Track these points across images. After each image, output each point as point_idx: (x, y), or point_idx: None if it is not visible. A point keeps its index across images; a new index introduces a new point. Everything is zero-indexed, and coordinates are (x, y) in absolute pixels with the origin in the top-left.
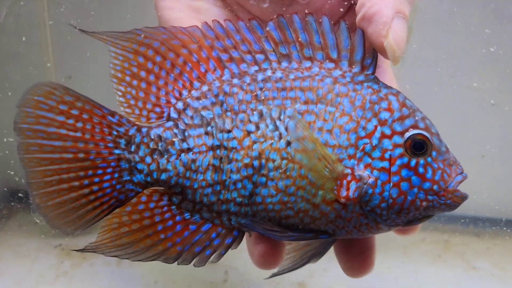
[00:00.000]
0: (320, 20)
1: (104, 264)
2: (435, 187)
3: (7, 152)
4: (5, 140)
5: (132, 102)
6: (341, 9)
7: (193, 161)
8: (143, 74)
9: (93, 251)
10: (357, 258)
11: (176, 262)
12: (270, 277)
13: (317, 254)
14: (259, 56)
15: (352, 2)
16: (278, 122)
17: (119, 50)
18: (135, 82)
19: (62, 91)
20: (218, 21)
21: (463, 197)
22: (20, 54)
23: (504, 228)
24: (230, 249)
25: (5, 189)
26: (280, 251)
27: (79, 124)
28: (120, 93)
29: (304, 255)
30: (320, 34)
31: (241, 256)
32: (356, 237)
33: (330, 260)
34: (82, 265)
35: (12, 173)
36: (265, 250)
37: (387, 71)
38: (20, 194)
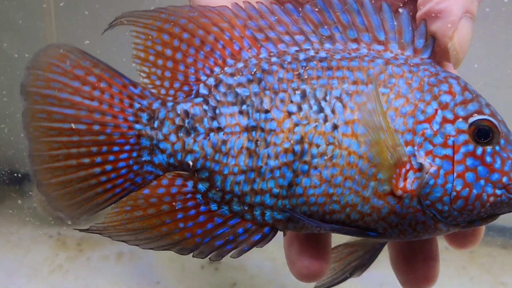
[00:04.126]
0: (361, 1)
1: (102, 258)
2: (504, 179)
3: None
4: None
5: (158, 82)
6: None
7: (224, 142)
8: (168, 52)
9: (99, 233)
10: (420, 270)
11: (191, 254)
12: None
13: (361, 266)
14: (299, 37)
15: None
16: (323, 103)
17: (141, 29)
18: (160, 62)
19: (79, 55)
20: (250, 2)
21: None
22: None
23: None
24: (255, 247)
25: None
26: (326, 260)
27: (96, 93)
28: (144, 74)
29: (347, 266)
30: (363, 15)
31: (252, 256)
32: (409, 239)
33: None
34: (78, 259)
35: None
36: (310, 261)
37: (445, 64)
38: (15, 175)
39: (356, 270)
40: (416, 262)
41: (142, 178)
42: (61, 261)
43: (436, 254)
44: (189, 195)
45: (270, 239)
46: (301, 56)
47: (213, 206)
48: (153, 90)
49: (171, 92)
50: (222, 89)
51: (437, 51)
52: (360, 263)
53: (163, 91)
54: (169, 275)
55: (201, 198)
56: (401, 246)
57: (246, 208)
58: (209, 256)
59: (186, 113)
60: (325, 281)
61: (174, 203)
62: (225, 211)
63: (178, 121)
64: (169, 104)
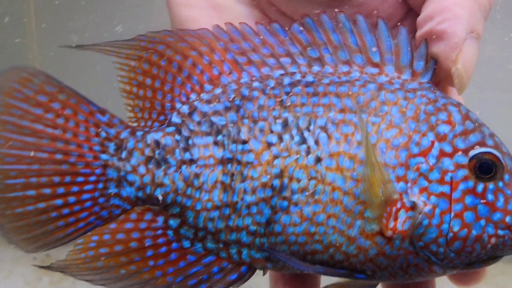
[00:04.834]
0: (354, 19)
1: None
2: (507, 218)
3: None
4: None
5: (140, 114)
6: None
7: (197, 175)
8: (148, 81)
9: (61, 271)
10: None
11: None
12: None
13: None
14: (285, 60)
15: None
16: (306, 134)
17: (124, 60)
18: (141, 92)
19: (43, 79)
20: (232, 24)
21: None
22: None
23: None
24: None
25: None
26: None
27: (60, 120)
28: (129, 108)
29: None
30: (357, 34)
31: None
32: (401, 281)
33: None
34: (63, 284)
35: None
36: None
37: (448, 89)
38: None
39: None
40: None
41: (108, 211)
42: (45, 285)
43: None
44: (159, 231)
45: (247, 279)
46: (286, 80)
47: (186, 243)
48: (134, 124)
49: (149, 123)
50: (196, 117)
51: (440, 75)
52: None
53: (142, 123)
54: None
55: (172, 235)
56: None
57: (221, 245)
58: None
59: (157, 143)
60: None
61: (143, 240)
62: (199, 248)
63: (147, 151)
64: (139, 133)
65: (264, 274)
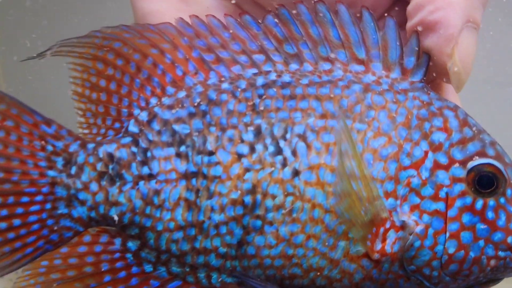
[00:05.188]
0: (335, 9)
1: None
2: (509, 239)
3: None
4: None
5: (92, 120)
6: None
7: (157, 192)
8: (102, 83)
9: None
10: None
11: None
12: None
13: None
14: (258, 57)
15: None
16: (282, 143)
17: (77, 60)
18: (94, 95)
19: None
20: (197, 16)
21: None
22: None
23: None
24: None
25: None
26: None
27: (0, 134)
28: (80, 112)
29: None
30: (339, 27)
31: None
32: None
33: None
34: None
35: None
36: None
37: (443, 85)
38: None
39: None
40: None
41: (58, 234)
42: None
43: None
44: (117, 255)
45: None
46: (259, 81)
47: (148, 268)
48: (85, 131)
49: (102, 131)
50: (156, 126)
51: (434, 72)
52: None
53: (94, 130)
54: None
55: (132, 258)
56: None
57: (188, 269)
58: None
59: (110, 156)
60: None
61: (99, 264)
62: (163, 272)
63: (100, 166)
64: (90, 146)
65: None
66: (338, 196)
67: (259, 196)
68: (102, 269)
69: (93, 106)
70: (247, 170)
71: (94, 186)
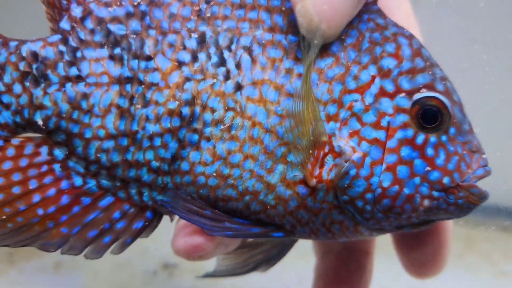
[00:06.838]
0: None
1: (38, 269)
2: (445, 179)
3: None
4: None
5: (52, 12)
6: None
7: (85, 96)
8: None
9: None
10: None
11: (60, 251)
12: (204, 276)
13: (267, 260)
14: None
15: None
16: (226, 54)
17: None
18: None
19: None
20: None
21: (482, 197)
22: None
23: None
24: (139, 238)
25: None
26: (209, 237)
27: None
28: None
29: (249, 259)
30: None
31: None
32: (323, 240)
33: None
34: (9, 272)
35: None
36: (191, 237)
37: (401, 4)
38: None
39: (262, 265)
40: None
41: None
42: None
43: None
44: (44, 167)
45: (156, 226)
46: None
47: (77, 180)
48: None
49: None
50: (90, 24)
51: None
52: (266, 257)
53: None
54: (116, 284)
55: (60, 170)
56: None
57: (119, 184)
58: (83, 253)
59: (35, 55)
60: (223, 269)
61: (26, 181)
62: (93, 187)
63: (23, 66)
64: (12, 44)
65: (171, 220)
66: (281, 116)
67: (198, 108)
68: (29, 188)
69: None
70: (187, 79)
71: (17, 88)
